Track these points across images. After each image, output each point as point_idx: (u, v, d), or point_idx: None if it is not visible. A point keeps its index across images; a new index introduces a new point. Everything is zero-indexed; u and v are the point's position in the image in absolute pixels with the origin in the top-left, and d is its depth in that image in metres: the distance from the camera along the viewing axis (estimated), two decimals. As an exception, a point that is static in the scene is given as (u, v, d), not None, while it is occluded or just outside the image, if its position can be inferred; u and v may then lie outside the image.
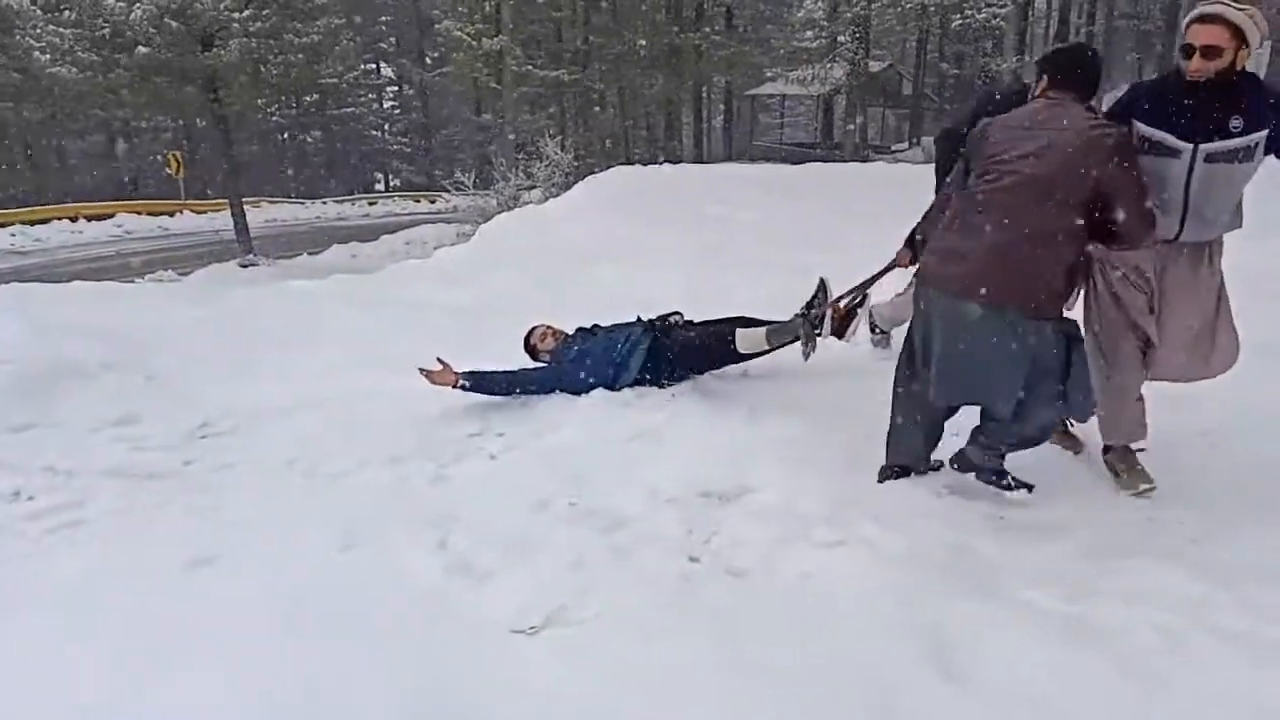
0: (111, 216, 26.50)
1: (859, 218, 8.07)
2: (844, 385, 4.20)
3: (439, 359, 3.91)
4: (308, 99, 42.59)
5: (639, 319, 4.42)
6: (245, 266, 19.47)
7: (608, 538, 2.76)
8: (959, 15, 27.06)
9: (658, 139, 35.67)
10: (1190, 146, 2.74)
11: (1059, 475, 3.11)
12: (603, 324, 4.46)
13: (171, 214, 28.06)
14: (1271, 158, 2.76)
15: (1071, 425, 3.42)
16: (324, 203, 37.49)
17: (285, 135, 45.34)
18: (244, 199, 22.27)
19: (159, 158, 34.78)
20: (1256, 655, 2.07)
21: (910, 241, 3.49)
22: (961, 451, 3.06)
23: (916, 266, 3.34)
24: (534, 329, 4.50)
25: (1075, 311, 3.01)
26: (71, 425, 3.79)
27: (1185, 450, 3.35)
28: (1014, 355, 2.71)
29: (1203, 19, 2.66)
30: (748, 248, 7.76)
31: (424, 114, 49.80)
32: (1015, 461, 3.02)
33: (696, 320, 4.45)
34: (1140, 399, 3.13)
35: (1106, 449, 3.22)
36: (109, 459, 3.48)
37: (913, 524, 2.80)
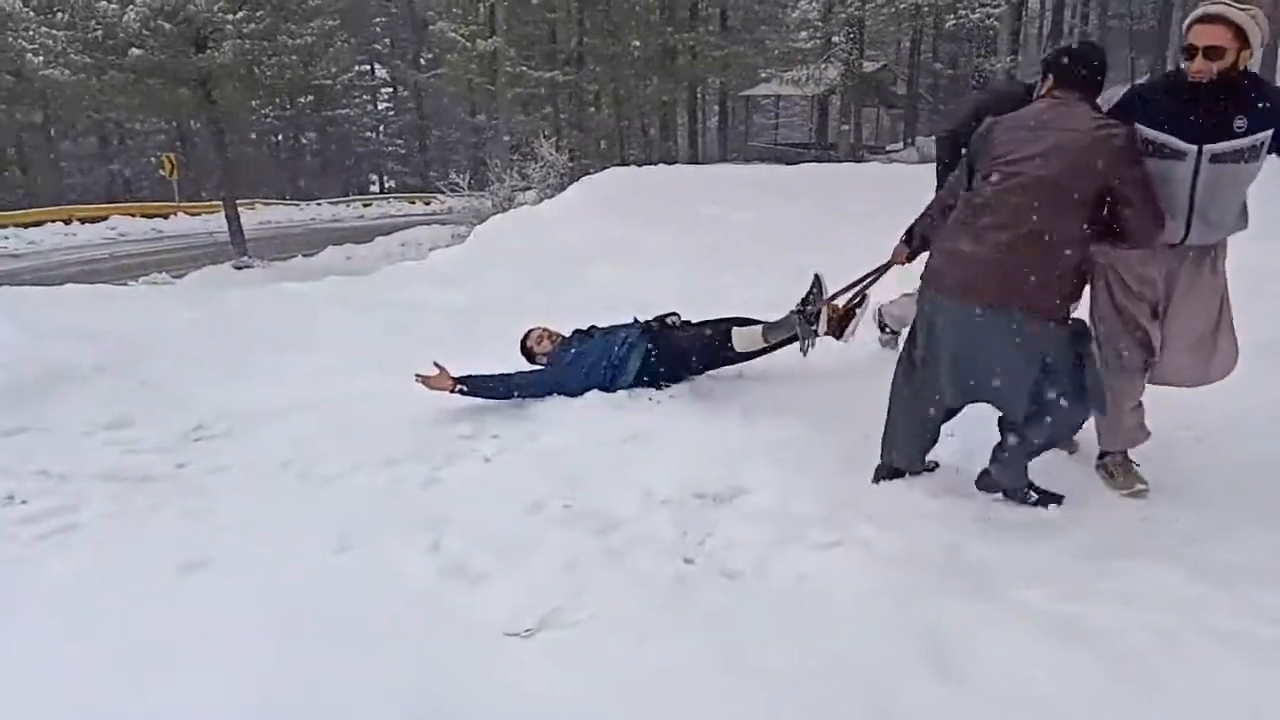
0: (105, 219, 26.45)
1: (854, 218, 8.06)
2: (839, 386, 4.20)
3: (435, 363, 3.90)
4: (302, 100, 42.50)
5: (636, 320, 4.41)
6: (240, 269, 19.42)
7: (602, 539, 2.76)
8: (953, 15, 27.06)
9: (652, 140, 35.64)
10: (1195, 148, 2.72)
11: (1054, 476, 3.11)
12: (599, 325, 4.45)
13: (165, 216, 27.98)
14: (1274, 157, 2.75)
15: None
16: (319, 204, 37.45)
17: (280, 137, 45.28)
18: (238, 201, 22.22)
19: (153, 160, 34.71)
20: (1253, 656, 2.07)
21: (908, 238, 3.45)
22: (985, 473, 3.01)
23: (919, 265, 3.32)
24: (530, 332, 4.49)
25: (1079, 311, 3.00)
26: (64, 429, 3.77)
27: (1181, 450, 3.36)
28: (1024, 357, 2.71)
29: (1204, 19, 2.64)
30: (743, 248, 7.76)
31: (419, 115, 49.75)
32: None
33: (693, 321, 4.45)
34: (1139, 405, 3.12)
35: (1102, 455, 3.21)
36: (102, 462, 3.47)
37: (908, 525, 2.80)
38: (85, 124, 37.35)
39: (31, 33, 18.53)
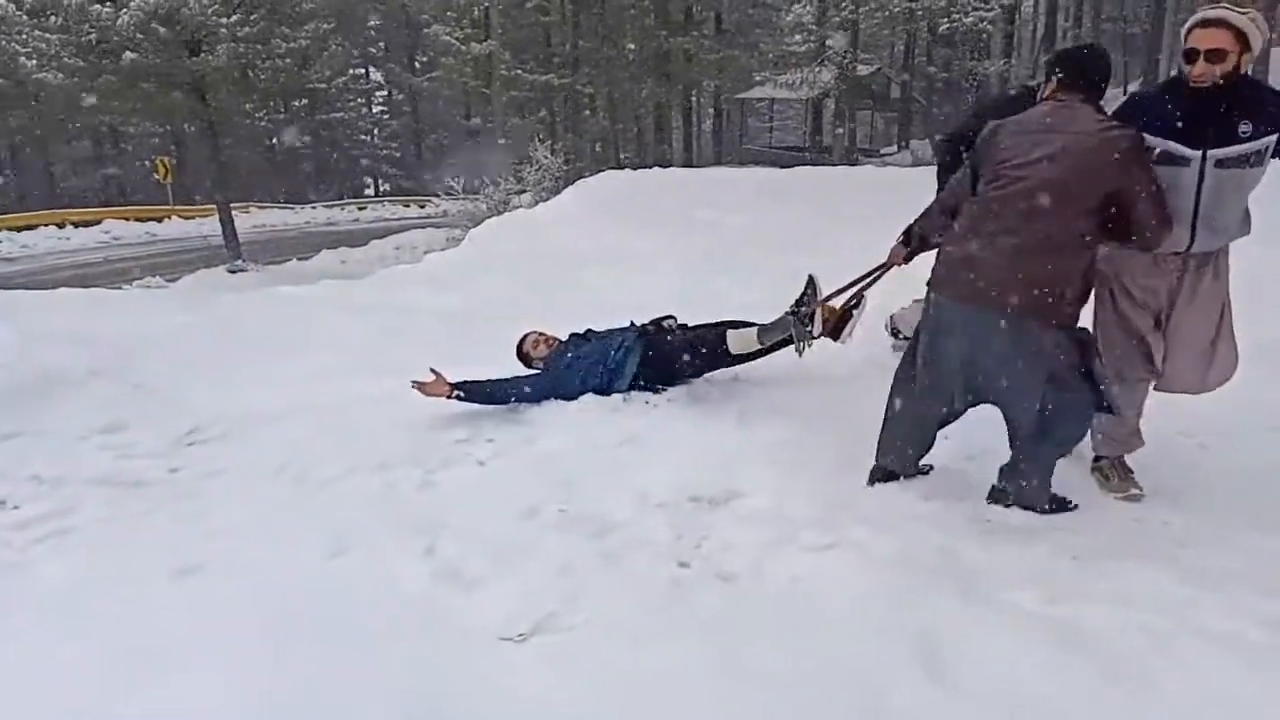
0: (99, 222, 26.39)
1: (848, 221, 8.07)
2: (833, 389, 4.22)
3: (432, 369, 3.89)
4: (296, 104, 42.48)
5: (632, 324, 4.42)
6: (234, 272, 19.39)
7: (597, 543, 2.76)
8: (946, 19, 27.17)
9: (647, 143, 35.70)
10: (1199, 154, 2.71)
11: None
12: (595, 329, 4.45)
13: (160, 220, 27.95)
14: (1276, 161, 2.74)
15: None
16: (313, 208, 37.41)
17: (274, 140, 45.19)
18: (232, 204, 22.19)
19: (147, 163, 34.63)
20: (1245, 658, 2.08)
21: (906, 239, 3.40)
22: (1001, 491, 2.98)
23: (916, 267, 3.31)
24: (526, 336, 4.49)
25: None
26: (58, 433, 3.77)
27: (1176, 454, 3.37)
28: (1032, 361, 2.71)
29: (1205, 23, 2.63)
30: (738, 251, 7.76)
31: (413, 119, 49.72)
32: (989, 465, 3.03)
33: (690, 324, 4.45)
34: (1138, 414, 3.12)
35: (1098, 458, 3.22)
36: (96, 467, 3.47)
37: (902, 527, 2.80)
38: (79, 127, 37.27)
39: (24, 36, 18.49)
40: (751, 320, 4.31)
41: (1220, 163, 2.70)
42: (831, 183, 10.72)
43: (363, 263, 18.62)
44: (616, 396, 4.07)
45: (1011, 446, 2.95)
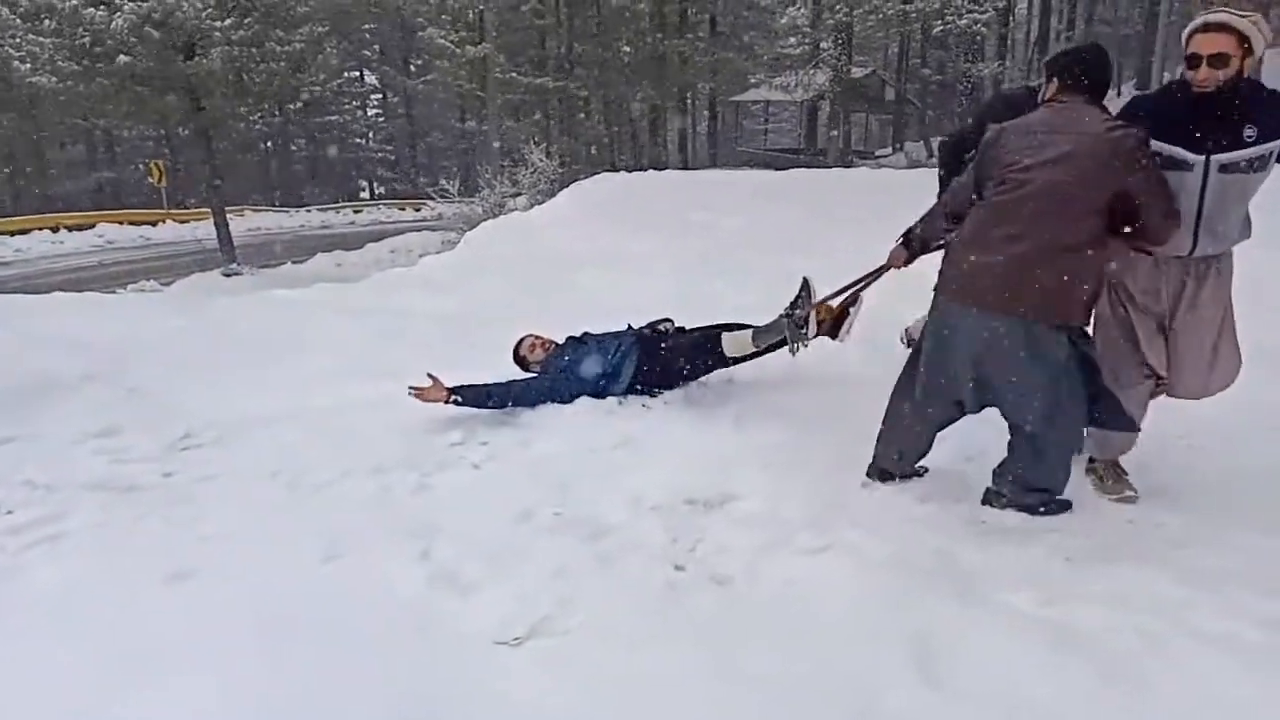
0: (93, 226, 26.29)
1: (843, 223, 8.08)
2: (828, 391, 4.22)
3: (429, 374, 3.89)
4: (291, 107, 42.44)
5: (629, 327, 4.41)
6: (228, 276, 19.35)
7: (592, 547, 2.75)
8: (940, 21, 27.25)
9: (642, 145, 35.70)
10: (1202, 158, 2.69)
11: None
12: (592, 332, 4.45)
13: (154, 223, 27.87)
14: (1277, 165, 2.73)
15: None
16: (308, 211, 37.32)
17: (268, 143, 45.19)
18: (227, 208, 22.13)
19: (141, 167, 34.59)
20: (1240, 658, 2.08)
21: (906, 242, 3.36)
22: (998, 494, 2.98)
23: (913, 270, 3.31)
24: (523, 339, 4.48)
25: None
26: (52, 438, 3.76)
27: (1170, 454, 3.38)
28: (1042, 365, 2.71)
29: (1207, 28, 2.61)
30: (733, 253, 7.76)
31: (408, 121, 49.71)
32: (984, 467, 3.03)
33: (686, 327, 4.45)
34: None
35: (1092, 460, 3.22)
36: (90, 472, 3.45)
37: (896, 529, 2.80)
38: (73, 131, 37.22)
39: (18, 40, 18.45)
40: (747, 322, 4.31)
41: (1224, 167, 2.68)
42: (826, 185, 10.73)
43: (358, 266, 18.61)
44: (611, 399, 4.08)
45: (1010, 449, 2.95)
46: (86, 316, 5.80)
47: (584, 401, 4.04)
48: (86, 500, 3.19)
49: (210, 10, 18.26)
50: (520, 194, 19.28)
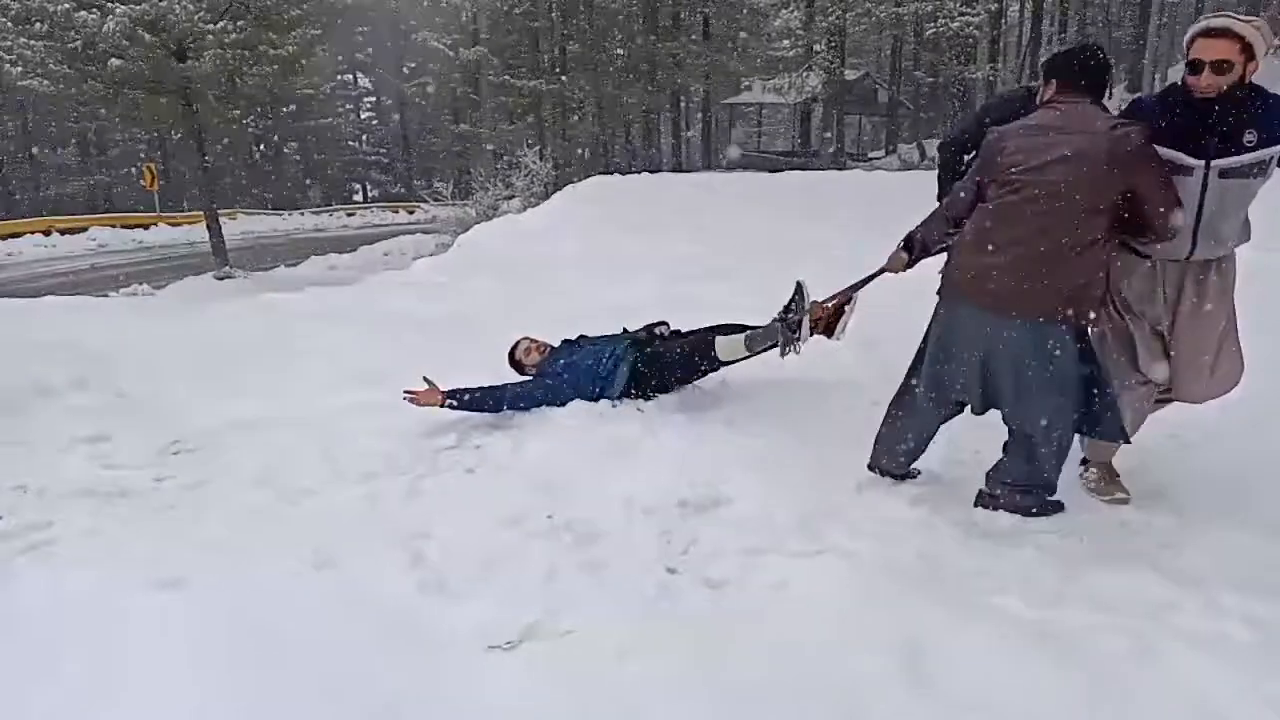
0: (85, 230, 26.21)
1: (837, 224, 8.12)
2: (822, 393, 4.22)
3: (425, 378, 3.88)
4: (284, 110, 42.40)
5: (625, 330, 4.41)
6: (221, 279, 19.26)
7: (584, 551, 2.76)
8: (932, 24, 27.34)
9: (636, 148, 35.76)
10: (1202, 163, 2.68)
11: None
12: (587, 335, 4.44)
13: (146, 227, 27.79)
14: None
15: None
16: (301, 214, 37.29)
17: (262, 146, 45.12)
18: (220, 211, 22.06)
19: (133, 170, 34.50)
20: (1226, 659, 2.09)
21: (907, 246, 3.29)
22: (991, 496, 2.99)
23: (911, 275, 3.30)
24: (518, 343, 4.48)
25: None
26: (42, 443, 3.74)
27: (1161, 455, 3.38)
28: (1051, 369, 2.71)
29: (1210, 32, 2.60)
30: (726, 254, 7.78)
31: (401, 124, 49.71)
32: (976, 470, 3.04)
33: (681, 330, 4.44)
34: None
35: (1084, 461, 3.22)
36: (80, 477, 3.44)
37: (887, 532, 2.81)
38: (65, 134, 37.14)
39: (9, 43, 18.38)
40: (741, 321, 4.31)
41: (1224, 173, 2.67)
42: (819, 187, 10.77)
43: (351, 269, 18.57)
44: (604, 403, 4.07)
45: (1004, 450, 2.95)
46: (77, 321, 5.77)
47: (576, 405, 4.03)
48: (76, 506, 3.18)
49: (203, 13, 18.21)
50: (514, 197, 19.31)
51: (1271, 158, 2.66)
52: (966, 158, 3.94)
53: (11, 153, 35.32)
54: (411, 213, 36.01)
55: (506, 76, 29.43)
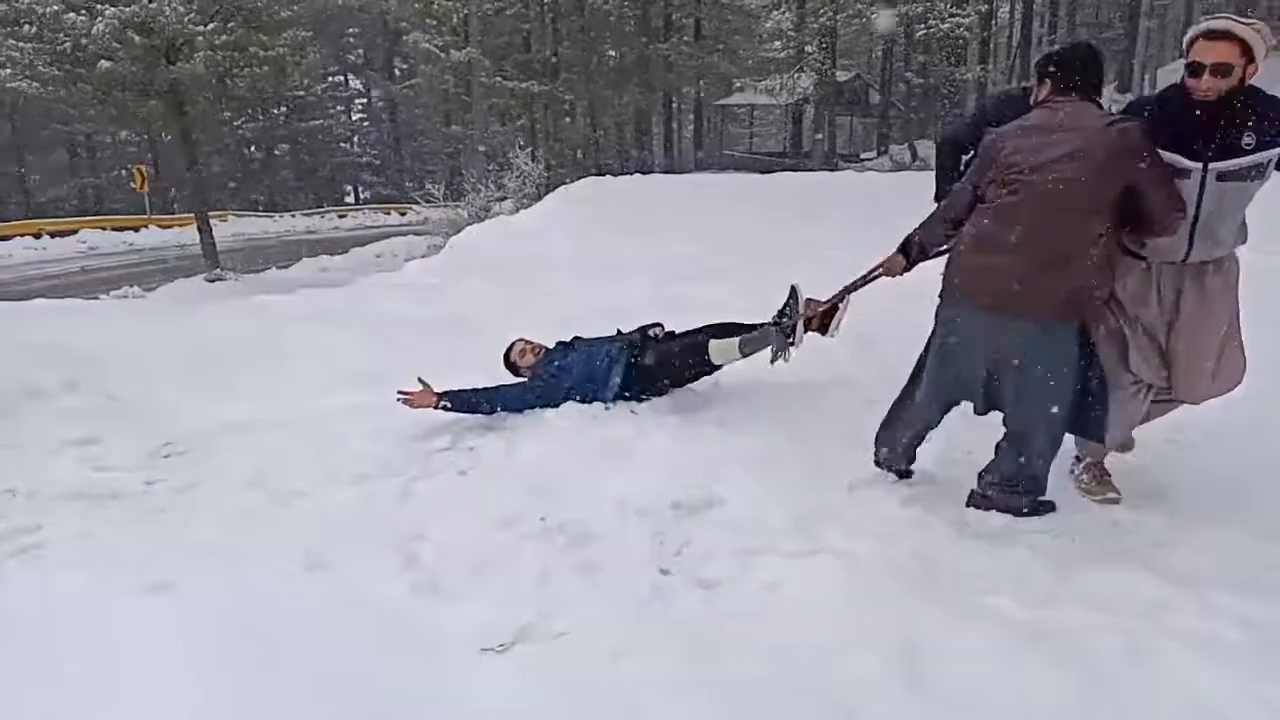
0: (75, 232, 26.08)
1: (829, 225, 8.12)
2: (815, 393, 4.22)
3: (420, 379, 3.87)
4: (275, 111, 42.29)
5: (619, 332, 4.40)
6: (212, 281, 19.18)
7: (577, 552, 2.75)
8: (923, 26, 27.40)
9: (628, 149, 35.77)
10: (1200, 166, 2.67)
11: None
12: (582, 336, 4.43)
13: (137, 229, 27.65)
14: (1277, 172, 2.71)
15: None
16: (293, 216, 37.15)
17: (252, 148, 45.00)
18: (211, 213, 21.98)
19: (123, 172, 34.36)
20: (1218, 658, 2.09)
21: (904, 249, 3.25)
22: (983, 496, 3.00)
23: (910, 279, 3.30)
24: (513, 345, 4.47)
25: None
26: (32, 446, 3.72)
27: (1154, 455, 3.39)
28: (1053, 369, 2.72)
29: (1210, 35, 2.58)
30: (720, 255, 7.78)
31: (393, 126, 49.61)
32: (970, 470, 3.04)
33: (675, 332, 4.44)
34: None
35: (1076, 461, 3.23)
36: (70, 480, 3.42)
37: (880, 532, 2.81)
38: (54, 137, 36.97)
39: (-2, 45, 18.28)
40: (735, 320, 4.31)
41: (1222, 176, 2.66)
42: (812, 188, 10.79)
43: (343, 271, 18.52)
44: (598, 405, 4.06)
45: (997, 450, 2.96)
46: (67, 324, 5.73)
47: (570, 406, 4.03)
48: (66, 509, 3.16)
49: (192, 15, 18.14)
50: (506, 198, 19.26)
51: (1269, 160, 2.65)
52: (965, 157, 3.95)
53: (0, 155, 35.12)
54: (403, 214, 35.94)
55: (498, 77, 29.37)
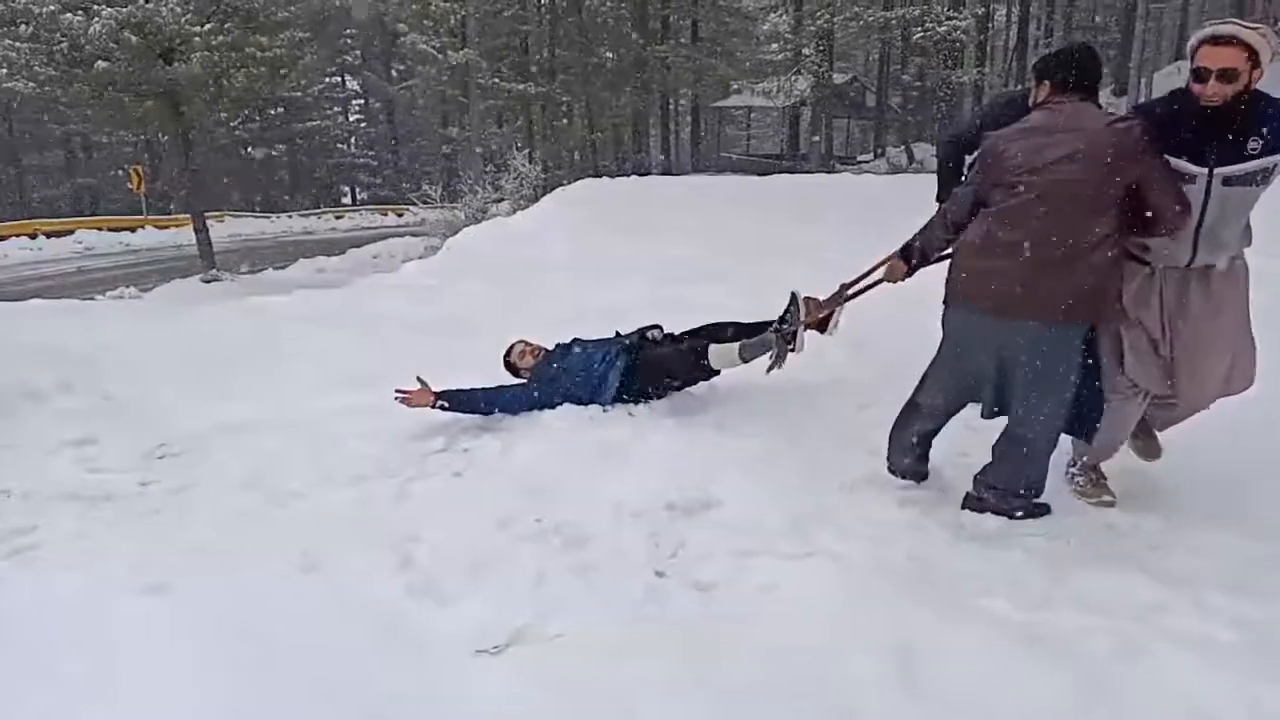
0: (71, 233, 26.03)
1: (826, 227, 8.13)
2: (811, 395, 4.23)
3: (419, 378, 3.86)
4: (272, 112, 42.25)
5: (618, 334, 4.40)
6: (208, 282, 19.14)
7: (573, 554, 2.75)
8: (920, 29, 27.45)
9: (625, 151, 35.76)
10: (1205, 170, 2.65)
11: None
12: (580, 338, 4.43)
13: (133, 230, 27.60)
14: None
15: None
16: (290, 216, 37.11)
17: (249, 149, 44.94)
18: (207, 213, 21.93)
19: (120, 173, 34.30)
20: (1213, 660, 2.09)
21: (906, 254, 3.26)
22: (978, 499, 3.01)
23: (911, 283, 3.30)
24: (513, 346, 4.46)
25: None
26: (28, 446, 3.72)
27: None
28: (1058, 371, 2.72)
29: (1216, 40, 2.56)
30: (716, 258, 7.78)
31: (390, 127, 49.59)
32: (965, 473, 3.05)
33: (674, 334, 4.43)
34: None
35: (1071, 463, 3.23)
36: (65, 481, 3.42)
37: (876, 534, 2.82)
38: (51, 137, 36.91)
39: (-6, 45, 18.24)
40: (733, 320, 4.31)
41: (1227, 180, 2.65)
42: (808, 189, 10.80)
43: (340, 272, 18.49)
44: (594, 406, 4.06)
45: (993, 452, 2.96)
46: (64, 324, 5.72)
47: (566, 408, 4.03)
48: (62, 510, 3.16)
49: (189, 15, 18.12)
50: (503, 199, 19.26)
51: (1275, 165, 2.63)
52: (968, 158, 3.94)
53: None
54: (400, 215, 35.93)
55: (496, 79, 29.35)
